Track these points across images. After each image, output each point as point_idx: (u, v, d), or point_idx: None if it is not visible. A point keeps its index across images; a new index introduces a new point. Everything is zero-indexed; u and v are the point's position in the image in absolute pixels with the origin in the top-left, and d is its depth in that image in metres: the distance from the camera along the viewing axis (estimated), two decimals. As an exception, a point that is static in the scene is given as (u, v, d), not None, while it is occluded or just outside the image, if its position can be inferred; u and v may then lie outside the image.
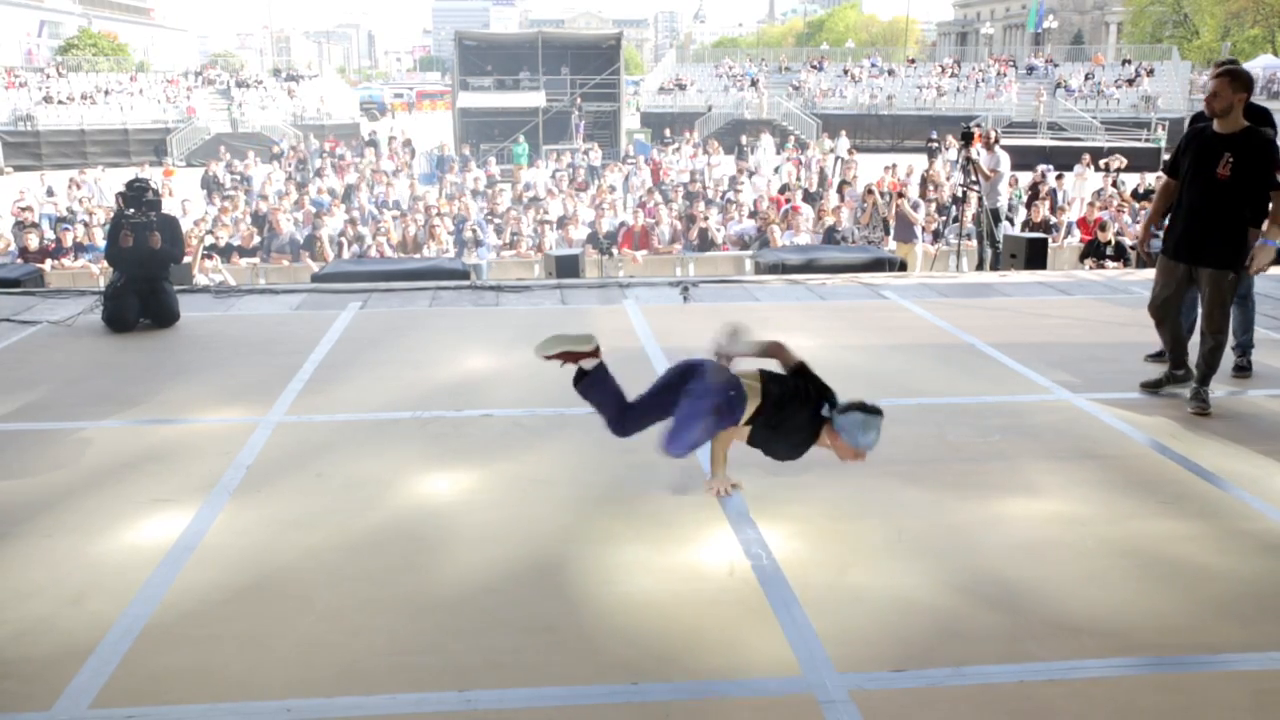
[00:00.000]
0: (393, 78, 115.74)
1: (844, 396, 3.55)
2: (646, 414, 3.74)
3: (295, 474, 4.08)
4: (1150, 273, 8.72)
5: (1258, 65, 39.74)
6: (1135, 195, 15.62)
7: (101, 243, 11.35)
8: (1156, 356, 5.69)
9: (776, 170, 20.60)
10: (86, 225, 13.29)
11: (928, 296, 7.52)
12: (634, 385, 5.17)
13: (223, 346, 6.14)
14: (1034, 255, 9.64)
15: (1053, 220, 13.57)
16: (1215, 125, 4.71)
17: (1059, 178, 17.21)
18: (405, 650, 2.82)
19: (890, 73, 42.08)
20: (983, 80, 40.36)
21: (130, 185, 6.89)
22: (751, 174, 19.28)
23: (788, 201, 15.19)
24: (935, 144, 25.67)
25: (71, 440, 4.49)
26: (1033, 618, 2.98)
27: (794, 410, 3.55)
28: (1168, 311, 5.05)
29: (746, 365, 3.68)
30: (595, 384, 3.73)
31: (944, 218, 13.37)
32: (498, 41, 38.73)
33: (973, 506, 3.76)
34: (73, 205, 16.87)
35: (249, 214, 14.43)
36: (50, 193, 18.36)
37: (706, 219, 13.45)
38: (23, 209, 14.40)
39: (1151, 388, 5.13)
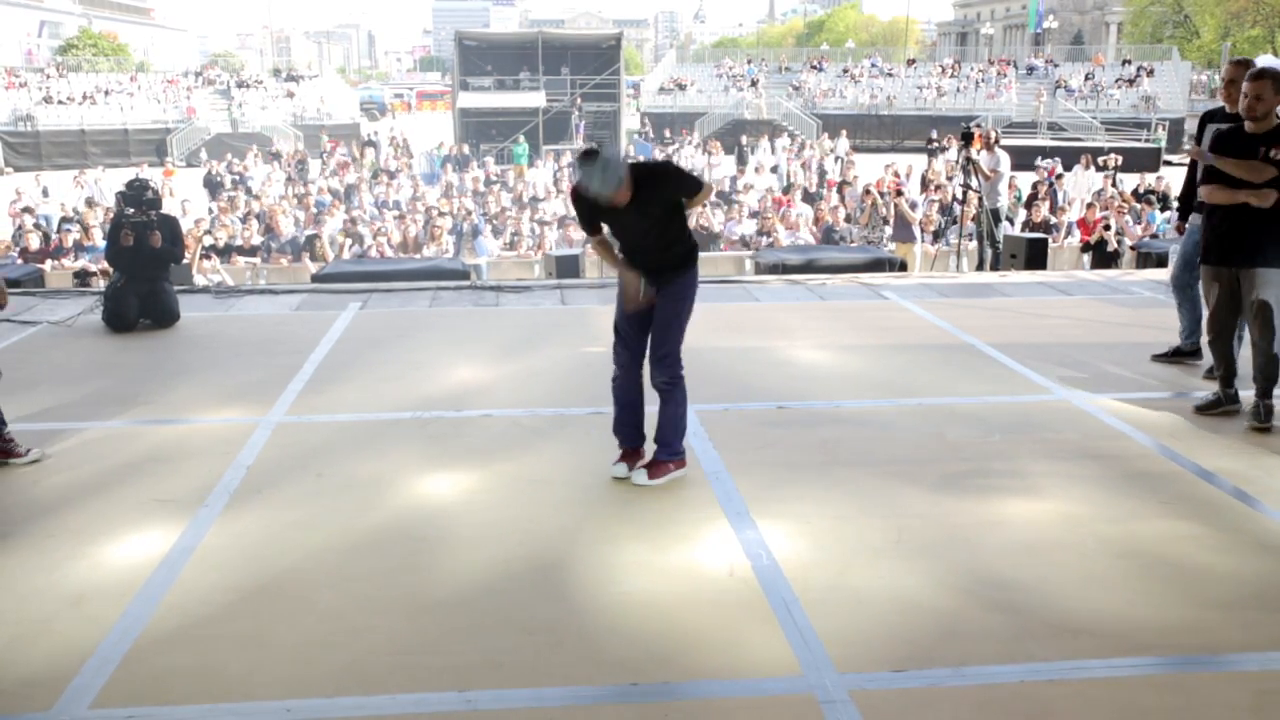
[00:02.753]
0: (393, 78, 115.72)
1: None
2: None
3: (295, 474, 4.08)
4: (1149, 273, 8.71)
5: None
6: (1135, 195, 15.62)
7: (101, 243, 11.35)
8: (1163, 357, 5.67)
9: (775, 169, 20.60)
10: (83, 226, 13.28)
11: (928, 296, 7.52)
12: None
13: (223, 346, 6.14)
14: (1034, 255, 9.64)
15: (1053, 220, 13.57)
16: (1248, 126, 4.52)
17: (1059, 177, 17.22)
18: (405, 650, 2.82)
19: (890, 74, 42.08)
20: (983, 80, 40.36)
21: (130, 185, 6.89)
22: (758, 169, 19.29)
23: (789, 201, 15.21)
24: (935, 144, 25.69)
25: (71, 440, 4.49)
26: (1033, 618, 2.98)
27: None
28: (1225, 324, 4.77)
29: None
30: None
31: (945, 218, 13.37)
32: (498, 41, 38.73)
33: (973, 506, 3.76)
34: (78, 205, 16.87)
35: (252, 215, 14.43)
36: (46, 193, 18.35)
37: (704, 210, 13.47)
38: (22, 210, 14.38)
39: (1207, 410, 4.81)
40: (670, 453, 4.02)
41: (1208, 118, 5.49)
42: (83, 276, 11.02)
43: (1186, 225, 5.63)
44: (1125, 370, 5.52)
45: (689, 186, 3.85)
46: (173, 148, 33.60)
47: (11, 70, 38.46)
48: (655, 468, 4.00)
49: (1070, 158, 21.24)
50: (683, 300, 3.91)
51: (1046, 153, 21.72)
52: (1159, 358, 5.68)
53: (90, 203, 15.77)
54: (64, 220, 14.38)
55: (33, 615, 3.01)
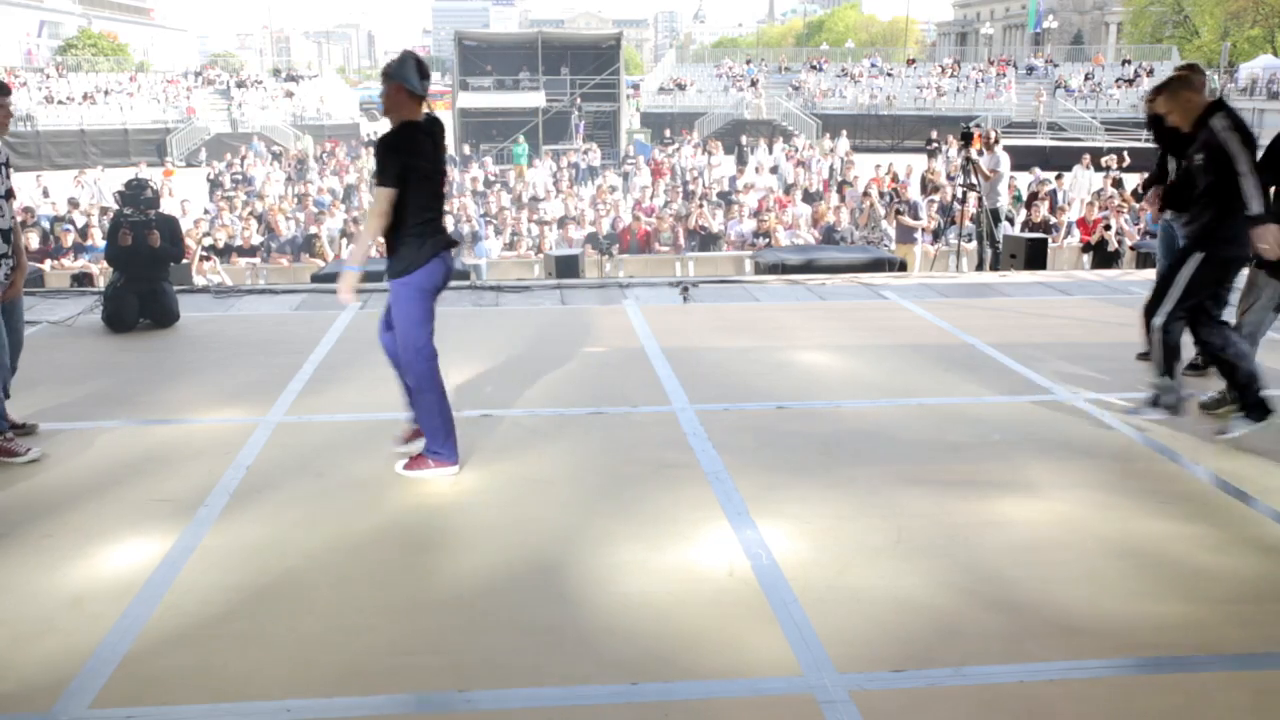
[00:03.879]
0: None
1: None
2: None
3: (295, 474, 4.08)
4: (1149, 273, 8.69)
5: (1258, 65, 39.79)
6: (1135, 195, 15.61)
7: (101, 243, 11.34)
8: (1146, 355, 5.66)
9: (774, 169, 20.61)
10: (78, 226, 13.28)
11: (928, 297, 7.52)
12: (635, 386, 5.18)
13: (223, 346, 6.13)
14: (1034, 255, 9.64)
15: (1053, 220, 13.58)
16: None
17: (1058, 178, 17.22)
18: (405, 650, 2.82)
19: (890, 74, 42.08)
20: (982, 80, 40.36)
21: (128, 185, 6.89)
22: (758, 169, 19.33)
23: (791, 201, 15.23)
24: (935, 144, 25.68)
25: (71, 440, 4.49)
26: (1033, 618, 2.98)
27: None
28: (1259, 328, 4.70)
29: None
30: None
31: (944, 218, 13.38)
32: (498, 41, 38.75)
33: (973, 506, 3.76)
34: (76, 201, 16.87)
35: (252, 215, 14.44)
36: (46, 193, 18.35)
37: (702, 210, 13.48)
38: (21, 209, 14.38)
39: (1212, 408, 4.73)
40: (428, 450, 4.02)
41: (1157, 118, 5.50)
42: (82, 280, 11.03)
43: (1160, 226, 5.64)
44: (1125, 370, 5.52)
45: (376, 165, 3.73)
46: (172, 148, 33.62)
47: (11, 70, 38.47)
48: (414, 461, 4.03)
49: (1070, 158, 21.27)
50: (397, 303, 3.87)
51: (1047, 153, 21.75)
52: (1143, 356, 5.67)
53: (73, 203, 15.75)
54: (59, 220, 14.39)
55: (32, 615, 3.01)
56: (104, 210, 13.99)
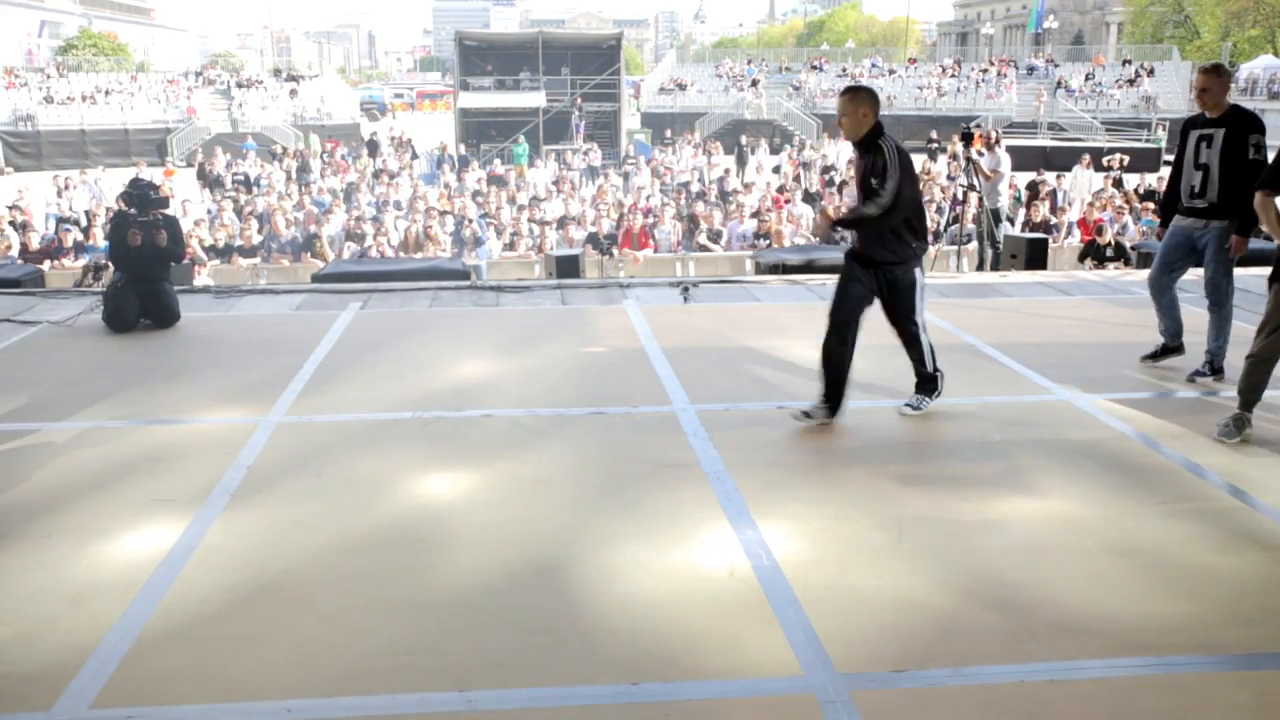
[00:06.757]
0: (393, 78, 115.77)
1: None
2: None
3: (296, 474, 4.08)
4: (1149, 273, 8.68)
5: (1258, 65, 39.79)
6: (1137, 195, 15.62)
7: (103, 243, 11.36)
8: (1151, 357, 5.66)
9: (776, 170, 20.62)
10: (81, 226, 13.29)
11: (928, 296, 7.49)
12: (635, 386, 5.18)
13: (223, 346, 6.14)
14: (1034, 255, 9.64)
15: (1053, 221, 13.58)
16: None
17: (1058, 178, 17.24)
18: (405, 650, 2.82)
19: (891, 72, 42.06)
20: (983, 80, 40.34)
21: (134, 184, 6.89)
22: (758, 169, 19.35)
23: (789, 202, 15.23)
24: (936, 144, 25.68)
25: (71, 440, 4.49)
26: (1033, 618, 2.98)
27: None
28: (1277, 349, 4.40)
29: None
30: None
31: (943, 219, 13.38)
32: (498, 41, 38.76)
33: (973, 506, 3.76)
34: (74, 205, 16.89)
35: (252, 215, 14.43)
36: (60, 194, 18.35)
37: (708, 215, 13.50)
38: (11, 208, 14.38)
39: (1230, 439, 4.43)
40: None
41: (1190, 124, 5.44)
42: (95, 269, 11.01)
43: (1168, 229, 5.56)
44: (1125, 370, 5.52)
45: None
46: (173, 148, 33.58)
47: (12, 70, 38.45)
48: None
49: (1070, 158, 21.26)
50: None
51: (1047, 153, 21.72)
52: (1147, 358, 5.66)
53: (77, 221, 15.79)
54: (62, 220, 14.40)
55: (33, 615, 3.01)
56: (109, 210, 14.00)
